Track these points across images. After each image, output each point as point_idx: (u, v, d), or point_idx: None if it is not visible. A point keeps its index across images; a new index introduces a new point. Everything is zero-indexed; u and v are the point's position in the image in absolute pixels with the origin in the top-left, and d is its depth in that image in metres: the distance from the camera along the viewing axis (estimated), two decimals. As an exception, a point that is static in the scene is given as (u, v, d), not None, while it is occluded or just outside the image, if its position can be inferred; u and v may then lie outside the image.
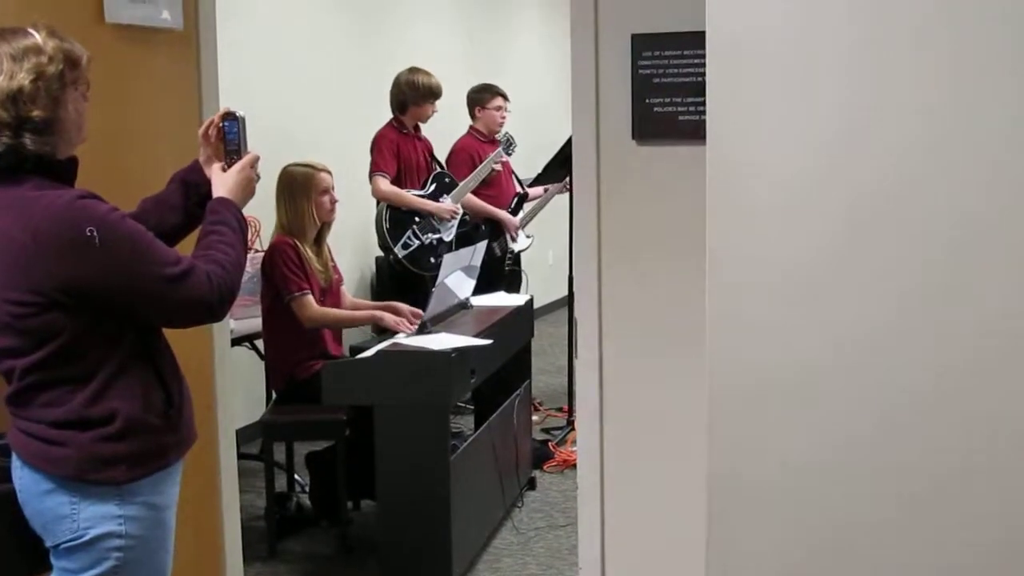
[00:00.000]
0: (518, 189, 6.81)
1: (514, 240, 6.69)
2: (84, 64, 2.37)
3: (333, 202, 4.77)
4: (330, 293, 4.80)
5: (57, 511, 2.36)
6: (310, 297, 4.60)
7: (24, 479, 2.40)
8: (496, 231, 6.59)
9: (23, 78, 2.24)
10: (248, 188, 2.63)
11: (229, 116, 2.65)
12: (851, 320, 1.87)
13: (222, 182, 2.60)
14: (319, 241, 4.79)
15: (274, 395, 5.02)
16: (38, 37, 2.29)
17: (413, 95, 6.13)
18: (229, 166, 2.62)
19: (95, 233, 2.23)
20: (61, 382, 2.33)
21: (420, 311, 4.74)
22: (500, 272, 6.58)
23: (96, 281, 2.27)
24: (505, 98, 6.72)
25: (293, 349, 4.67)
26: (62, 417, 2.34)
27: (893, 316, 1.84)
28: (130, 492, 2.39)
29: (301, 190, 4.68)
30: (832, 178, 1.86)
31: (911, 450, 1.85)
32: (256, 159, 2.64)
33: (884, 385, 1.86)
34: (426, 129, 6.35)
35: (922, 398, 1.83)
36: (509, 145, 6.47)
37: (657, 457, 3.32)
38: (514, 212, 6.72)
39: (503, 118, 6.70)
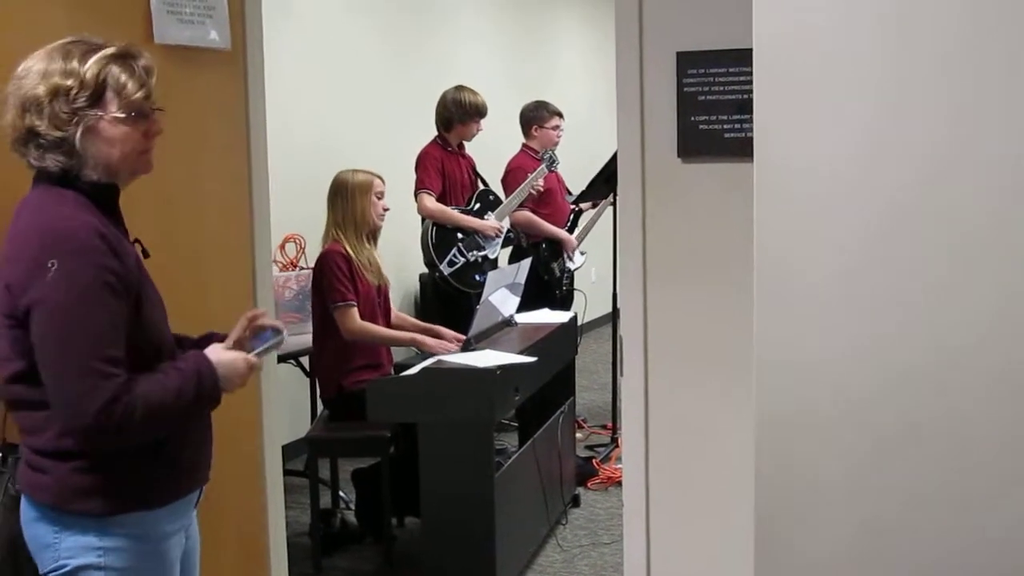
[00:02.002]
0: (572, 206, 6.81)
1: (571, 259, 6.69)
2: (117, 93, 2.29)
3: (385, 209, 4.83)
4: (383, 293, 4.85)
5: (42, 539, 2.32)
6: (354, 310, 4.64)
7: (23, 504, 2.36)
8: (556, 251, 6.59)
9: (40, 91, 2.23)
10: (235, 372, 2.41)
11: (276, 329, 2.55)
12: (901, 334, 1.86)
13: (216, 349, 2.43)
14: (370, 239, 4.84)
15: (320, 410, 5.04)
16: (71, 62, 2.26)
17: (459, 113, 6.15)
18: None
19: (53, 266, 2.16)
20: (40, 405, 2.24)
21: (463, 336, 4.75)
22: (559, 292, 6.59)
23: (32, 313, 2.18)
24: (561, 116, 6.73)
25: (344, 358, 4.70)
26: (42, 445, 2.27)
27: (937, 328, 1.84)
28: (112, 524, 2.30)
29: (360, 190, 4.76)
30: (878, 187, 1.86)
31: (959, 449, 1.84)
32: (257, 366, 2.48)
33: (935, 391, 1.85)
34: (469, 147, 6.36)
35: (969, 398, 1.83)
36: (552, 163, 6.47)
37: (703, 474, 3.30)
38: (570, 229, 6.72)
39: (559, 137, 6.71)
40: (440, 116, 6.22)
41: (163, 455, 2.35)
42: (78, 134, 2.26)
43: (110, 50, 2.31)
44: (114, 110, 2.29)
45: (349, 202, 4.76)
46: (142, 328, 2.31)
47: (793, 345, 1.94)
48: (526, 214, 6.44)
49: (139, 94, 2.30)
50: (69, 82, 2.25)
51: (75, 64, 2.27)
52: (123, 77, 2.29)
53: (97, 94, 2.27)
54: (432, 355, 4.58)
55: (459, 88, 6.22)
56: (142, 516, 2.33)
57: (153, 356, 2.34)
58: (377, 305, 4.79)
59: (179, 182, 3.25)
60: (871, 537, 1.91)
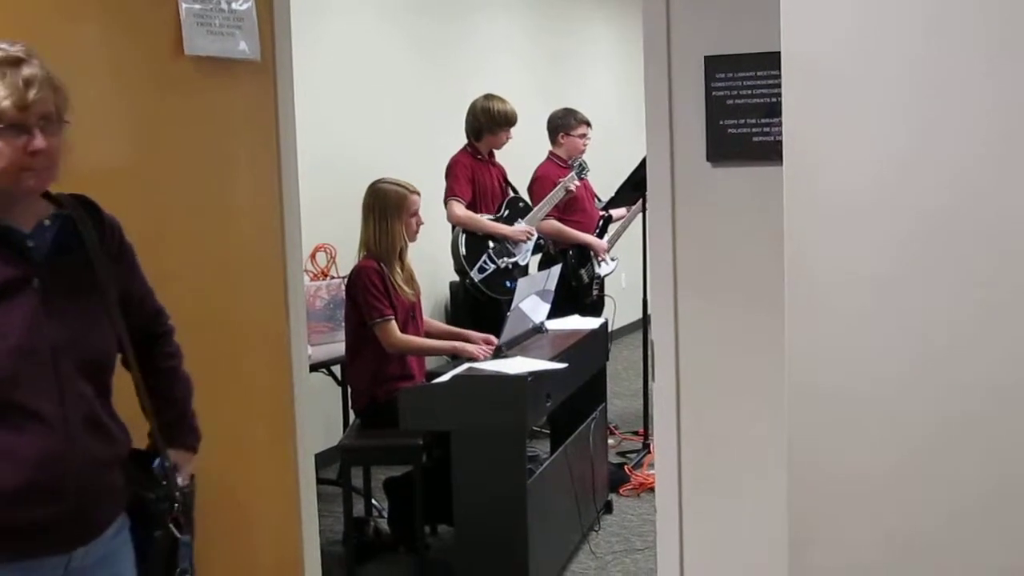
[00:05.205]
0: (602, 212, 6.80)
1: (601, 264, 6.67)
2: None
3: (419, 224, 4.82)
4: (418, 307, 4.86)
5: None
6: (393, 324, 4.63)
7: None
8: (584, 258, 6.59)
9: None
10: None
11: None
12: (931, 335, 1.85)
13: None
14: (401, 256, 4.84)
15: (352, 419, 5.06)
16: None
17: (488, 122, 6.15)
18: None
19: None
20: None
21: (491, 336, 4.76)
22: (588, 299, 6.58)
23: None
24: (589, 125, 6.72)
25: (377, 371, 4.71)
26: None
27: (973, 331, 1.82)
28: None
29: (394, 210, 4.72)
30: (908, 193, 1.85)
31: (1002, 462, 1.82)
32: None
33: (966, 399, 1.83)
34: (499, 155, 6.37)
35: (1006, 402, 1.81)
36: (582, 170, 6.47)
37: (736, 479, 3.29)
38: (599, 235, 6.71)
39: (585, 145, 6.69)
40: (470, 125, 6.22)
41: None
42: None
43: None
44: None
45: (380, 223, 4.73)
46: None
47: (825, 349, 1.93)
48: (552, 223, 6.43)
49: (6, 103, 2.09)
50: None
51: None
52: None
53: None
54: (468, 360, 4.59)
55: (488, 97, 6.23)
56: None
57: None
58: (411, 317, 4.79)
59: (210, 192, 3.27)
60: (907, 543, 1.90)
